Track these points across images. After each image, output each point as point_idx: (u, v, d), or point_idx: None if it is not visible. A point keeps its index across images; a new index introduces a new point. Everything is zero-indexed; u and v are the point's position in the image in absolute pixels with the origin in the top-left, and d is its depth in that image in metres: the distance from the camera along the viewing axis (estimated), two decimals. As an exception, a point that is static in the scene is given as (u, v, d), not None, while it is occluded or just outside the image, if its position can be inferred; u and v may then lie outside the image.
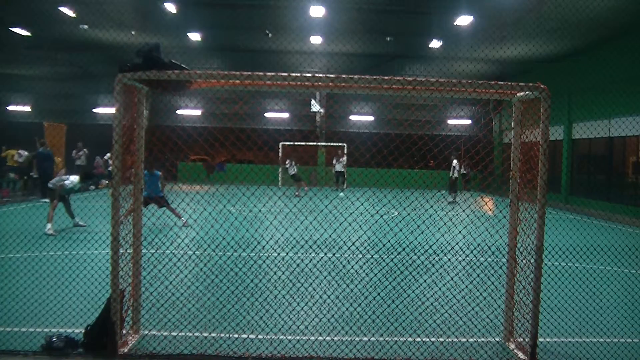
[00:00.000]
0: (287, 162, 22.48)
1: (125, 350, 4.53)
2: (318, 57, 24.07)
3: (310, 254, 8.89)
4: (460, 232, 11.41)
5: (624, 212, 16.51)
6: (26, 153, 19.70)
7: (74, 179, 10.86)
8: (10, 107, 32.51)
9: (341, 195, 20.79)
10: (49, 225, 10.36)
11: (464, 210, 15.82)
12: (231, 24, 19.37)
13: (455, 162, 19.85)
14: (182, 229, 11.54)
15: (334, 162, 25.19)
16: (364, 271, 7.93)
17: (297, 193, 21.09)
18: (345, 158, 25.12)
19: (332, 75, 4.55)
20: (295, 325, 5.31)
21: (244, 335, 5.03)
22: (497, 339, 5.09)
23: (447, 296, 6.26)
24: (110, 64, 19.00)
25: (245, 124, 30.10)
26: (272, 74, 4.44)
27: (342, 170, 24.86)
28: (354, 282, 7.09)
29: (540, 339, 4.65)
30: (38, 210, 12.32)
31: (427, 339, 5.00)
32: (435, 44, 20.61)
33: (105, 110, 31.50)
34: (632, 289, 7.51)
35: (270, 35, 20.24)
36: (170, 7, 17.06)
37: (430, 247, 8.88)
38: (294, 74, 4.47)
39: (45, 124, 21.29)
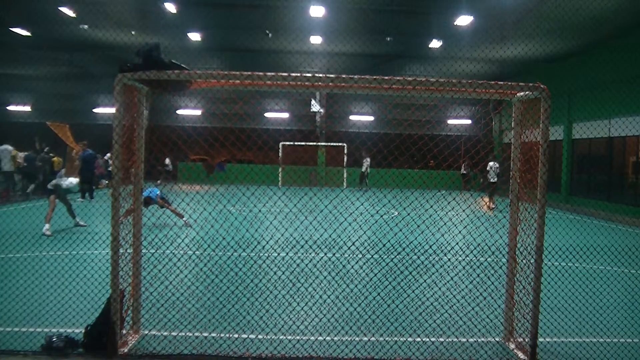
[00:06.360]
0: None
1: (125, 350, 4.53)
2: (318, 57, 24.08)
3: (310, 254, 8.89)
4: (460, 232, 11.42)
5: (624, 212, 16.51)
6: (20, 156, 19.37)
7: (73, 180, 10.98)
8: (10, 107, 32.50)
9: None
10: (46, 226, 10.36)
11: (464, 210, 15.82)
12: (231, 24, 19.38)
13: (491, 164, 17.99)
14: (182, 228, 11.53)
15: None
16: (364, 271, 7.93)
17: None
18: (366, 160, 25.34)
19: (332, 75, 4.55)
20: (295, 325, 5.31)
21: (244, 335, 5.03)
22: (497, 339, 5.09)
23: (447, 296, 6.26)
24: (110, 64, 19.02)
25: (245, 124, 30.11)
26: (272, 74, 4.44)
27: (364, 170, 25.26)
28: (354, 282, 7.09)
29: (540, 339, 4.65)
30: (38, 210, 12.32)
31: (427, 339, 5.00)
32: (435, 44, 20.61)
33: (105, 110, 31.49)
34: (632, 289, 7.51)
35: (270, 35, 20.24)
36: (170, 7, 17.06)
37: (430, 247, 8.88)
38: (294, 74, 4.47)
39: (49, 124, 21.17)
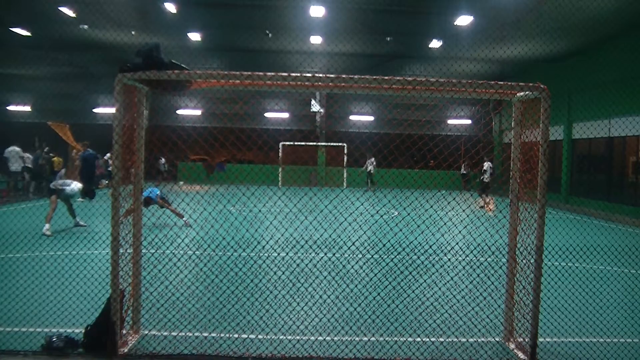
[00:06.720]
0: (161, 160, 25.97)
1: (125, 350, 4.53)
2: (318, 57, 24.06)
3: (310, 254, 8.89)
4: (460, 232, 11.42)
5: (624, 212, 16.51)
6: (28, 156, 19.41)
7: (75, 187, 10.92)
8: (11, 107, 32.47)
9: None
10: (47, 226, 10.36)
11: (463, 210, 15.82)
12: (231, 24, 19.36)
13: (489, 164, 18.65)
14: (182, 228, 11.53)
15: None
16: (364, 271, 7.93)
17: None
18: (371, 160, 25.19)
19: (332, 75, 4.55)
20: (295, 325, 5.31)
21: (244, 335, 5.03)
22: (497, 339, 5.09)
23: (447, 296, 6.27)
24: (110, 64, 19.00)
25: (245, 124, 30.10)
26: (272, 74, 4.44)
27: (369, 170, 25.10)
28: (354, 282, 7.09)
29: (540, 339, 4.65)
30: (38, 210, 12.32)
31: (427, 339, 5.00)
32: (435, 44, 20.60)
33: (105, 110, 31.48)
34: (632, 289, 7.51)
35: (270, 35, 20.24)
36: (170, 7, 17.05)
37: (430, 247, 8.89)
38: (294, 74, 4.47)
39: (50, 123, 21.09)
